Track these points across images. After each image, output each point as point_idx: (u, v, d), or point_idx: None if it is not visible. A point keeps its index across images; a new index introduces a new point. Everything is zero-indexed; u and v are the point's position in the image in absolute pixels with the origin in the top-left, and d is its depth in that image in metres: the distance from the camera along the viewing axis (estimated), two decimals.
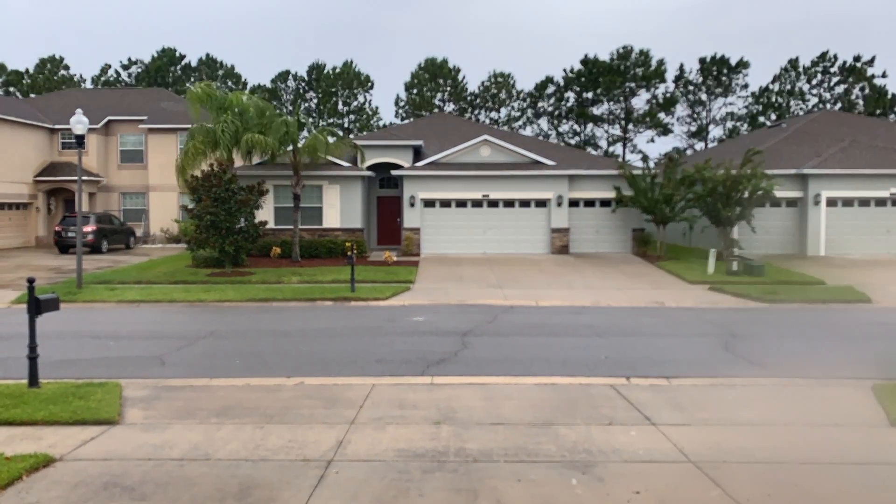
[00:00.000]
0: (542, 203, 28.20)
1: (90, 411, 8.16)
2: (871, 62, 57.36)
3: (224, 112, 24.09)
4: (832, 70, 58.68)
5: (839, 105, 57.28)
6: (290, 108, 63.08)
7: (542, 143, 36.45)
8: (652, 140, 70.17)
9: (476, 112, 64.00)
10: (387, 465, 6.76)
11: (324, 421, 8.07)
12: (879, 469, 6.66)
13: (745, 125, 60.44)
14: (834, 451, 7.13)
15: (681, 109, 62.14)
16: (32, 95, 54.74)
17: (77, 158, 18.72)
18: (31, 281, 9.39)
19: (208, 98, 24.39)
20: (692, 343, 12.61)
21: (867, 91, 56.84)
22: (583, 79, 61.12)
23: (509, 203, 28.26)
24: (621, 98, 61.77)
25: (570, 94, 62.35)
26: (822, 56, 58.99)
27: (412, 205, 27.96)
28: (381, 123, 64.44)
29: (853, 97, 57.68)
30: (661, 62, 60.98)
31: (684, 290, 19.33)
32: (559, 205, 27.88)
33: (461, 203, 28.32)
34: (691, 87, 61.32)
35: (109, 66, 64.09)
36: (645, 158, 29.92)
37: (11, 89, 59.97)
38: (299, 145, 24.99)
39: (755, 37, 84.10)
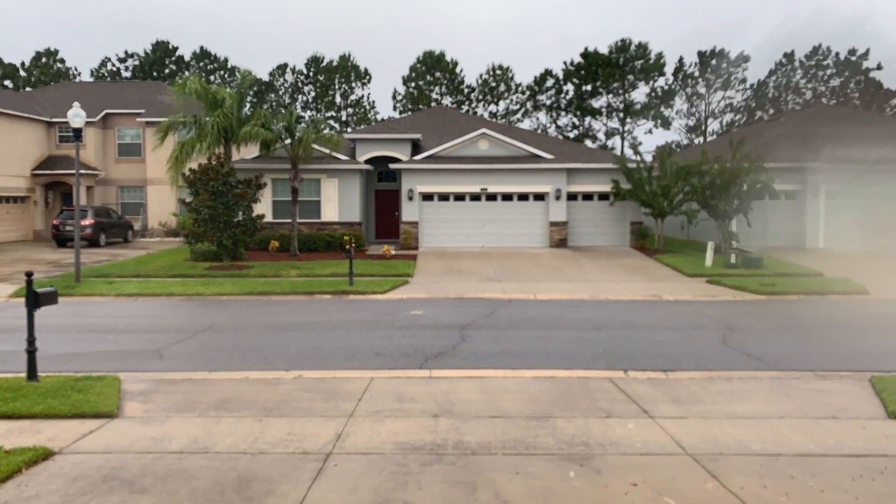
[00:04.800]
0: (540, 196, 28.19)
1: (89, 404, 8.17)
2: (865, 55, 57.35)
3: (218, 108, 24.06)
4: (825, 63, 58.70)
5: (834, 100, 57.33)
6: (288, 101, 62.99)
7: (540, 137, 36.40)
8: (650, 132, 70.28)
9: (474, 105, 63.90)
10: (385, 457, 6.78)
11: (322, 414, 8.09)
12: (876, 461, 6.69)
13: (743, 119, 60.45)
14: (831, 444, 7.16)
15: (679, 103, 62.21)
16: (28, 89, 54.58)
17: (75, 152, 18.68)
18: (29, 275, 9.38)
19: (205, 92, 24.35)
20: (690, 336, 12.63)
21: (863, 84, 56.92)
22: (582, 71, 61.04)
23: (508, 197, 28.24)
24: (620, 91, 61.72)
25: (570, 87, 62.31)
26: (815, 50, 58.99)
27: (410, 198, 27.94)
28: (378, 117, 64.38)
29: (849, 91, 57.73)
30: (659, 55, 60.93)
31: (682, 283, 19.36)
32: (557, 198, 27.87)
33: (459, 197, 28.30)
34: (689, 81, 61.30)
35: (108, 60, 63.95)
36: (635, 149, 29.61)
37: (7, 82, 59.76)
38: (296, 137, 24.97)
39: (753, 31, 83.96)
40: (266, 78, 63.96)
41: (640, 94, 61.98)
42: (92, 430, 7.56)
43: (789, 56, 59.70)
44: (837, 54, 58.24)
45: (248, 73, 26.19)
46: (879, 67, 56.98)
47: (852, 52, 57.73)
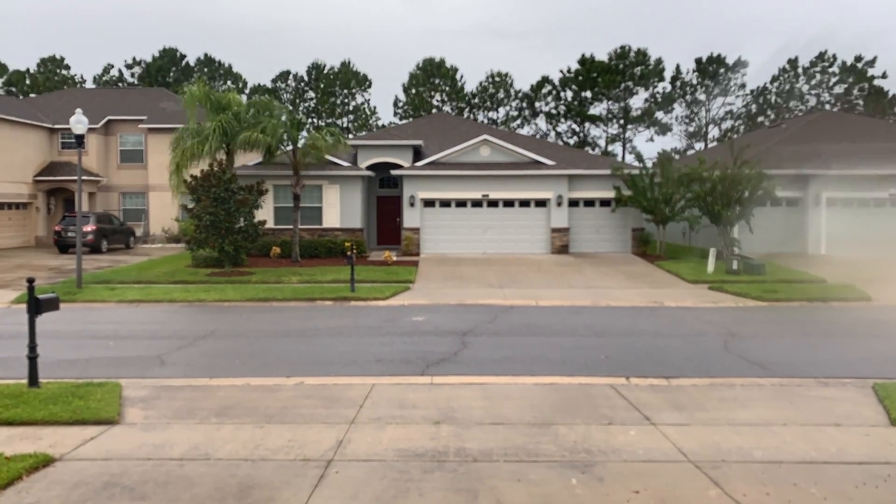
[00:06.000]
0: (541, 203, 28.20)
1: (90, 411, 8.16)
2: (872, 62, 57.26)
3: (221, 112, 24.10)
4: (831, 70, 58.65)
5: (837, 106, 57.30)
6: (291, 107, 63.12)
7: (541, 143, 36.44)
8: (651, 139, 70.31)
9: (474, 112, 63.98)
10: (387, 464, 6.76)
11: (324, 421, 8.07)
12: (880, 468, 6.66)
13: (744, 125, 60.47)
14: (833, 451, 7.13)
15: (679, 109, 62.21)
16: (33, 95, 54.76)
17: (77, 158, 18.72)
18: (30, 281, 9.39)
19: (207, 99, 24.40)
20: (692, 343, 12.61)
21: (867, 92, 56.81)
22: (580, 77, 61.09)
23: (509, 203, 28.25)
24: (619, 97, 61.76)
25: (569, 94, 62.35)
26: (821, 56, 58.95)
27: (412, 204, 27.96)
28: (379, 123, 64.51)
29: (853, 97, 57.65)
30: (658, 61, 60.98)
31: (684, 289, 19.33)
32: (559, 204, 27.87)
33: (461, 203, 28.31)
34: (689, 87, 61.31)
35: (111, 66, 64.20)
36: (640, 158, 29.62)
37: (12, 89, 59.97)
38: (299, 145, 25.03)
39: (753, 35, 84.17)
40: (269, 84, 64.28)
41: (639, 100, 62.02)
42: (93, 436, 7.55)
43: (793, 62, 59.70)
44: (844, 62, 58.17)
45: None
46: (885, 76, 56.95)
47: (858, 58, 57.66)
